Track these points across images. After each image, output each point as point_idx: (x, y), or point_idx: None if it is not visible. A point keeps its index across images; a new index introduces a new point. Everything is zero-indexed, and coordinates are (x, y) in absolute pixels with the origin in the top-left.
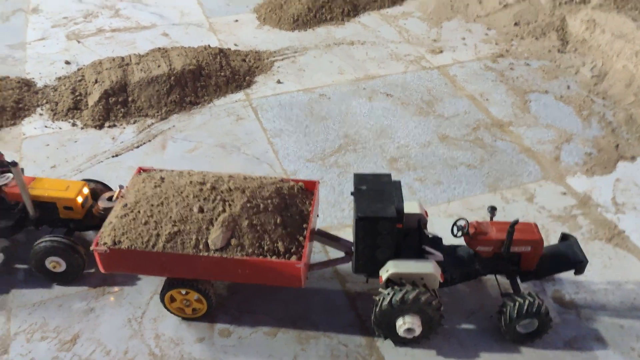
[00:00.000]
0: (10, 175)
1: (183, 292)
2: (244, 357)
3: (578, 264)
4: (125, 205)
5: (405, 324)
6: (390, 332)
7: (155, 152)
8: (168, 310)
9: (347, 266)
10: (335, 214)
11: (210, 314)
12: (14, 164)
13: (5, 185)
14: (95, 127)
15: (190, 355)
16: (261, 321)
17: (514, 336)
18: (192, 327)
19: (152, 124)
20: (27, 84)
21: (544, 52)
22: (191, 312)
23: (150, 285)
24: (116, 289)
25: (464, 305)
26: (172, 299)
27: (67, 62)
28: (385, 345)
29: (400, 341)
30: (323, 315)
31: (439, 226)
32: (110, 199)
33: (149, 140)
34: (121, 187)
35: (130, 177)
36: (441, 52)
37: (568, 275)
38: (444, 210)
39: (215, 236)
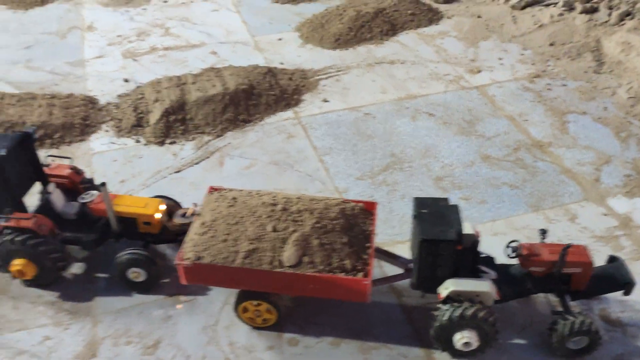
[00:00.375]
0: (95, 192)
1: (255, 303)
2: None
3: (627, 285)
4: (204, 223)
5: (464, 338)
6: (448, 346)
7: (214, 168)
8: (240, 319)
9: (402, 281)
10: (387, 230)
11: (278, 323)
12: (103, 184)
13: (91, 202)
14: (157, 143)
15: None
16: (325, 332)
17: (564, 352)
18: (263, 336)
19: (209, 141)
20: (91, 101)
21: (580, 72)
22: (261, 322)
23: (220, 295)
24: (187, 298)
25: (515, 320)
26: (245, 310)
27: (126, 80)
28: (442, 358)
29: (457, 354)
30: (382, 327)
31: (485, 244)
32: (183, 215)
33: (207, 157)
34: (195, 204)
35: (192, 193)
36: (479, 72)
37: (613, 294)
38: (490, 228)
39: (289, 254)
